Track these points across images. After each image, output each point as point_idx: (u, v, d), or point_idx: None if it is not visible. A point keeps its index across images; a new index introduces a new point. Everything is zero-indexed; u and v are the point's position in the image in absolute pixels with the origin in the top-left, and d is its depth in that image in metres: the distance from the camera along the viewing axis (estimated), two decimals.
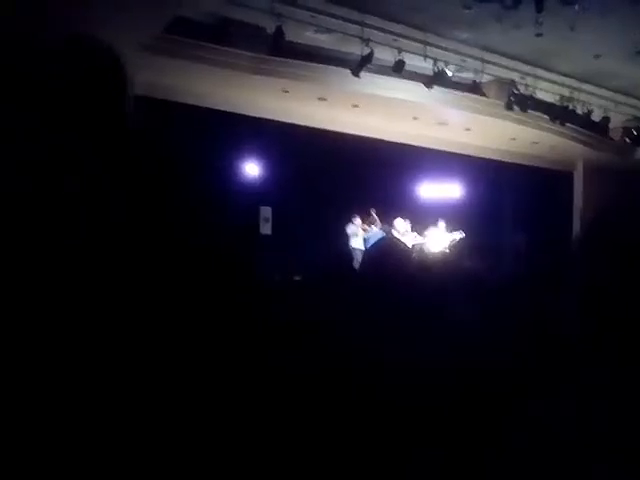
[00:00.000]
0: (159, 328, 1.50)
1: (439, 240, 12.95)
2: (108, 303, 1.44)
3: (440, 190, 14.62)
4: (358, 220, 12.56)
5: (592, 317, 1.10)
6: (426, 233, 12.92)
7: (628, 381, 0.99)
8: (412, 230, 12.74)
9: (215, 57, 9.06)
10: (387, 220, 12.69)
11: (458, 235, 12.97)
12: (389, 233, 12.31)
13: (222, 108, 10.55)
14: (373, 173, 12.05)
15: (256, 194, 12.00)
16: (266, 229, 12.03)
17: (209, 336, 1.46)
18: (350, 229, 12.57)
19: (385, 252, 1.94)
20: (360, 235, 12.57)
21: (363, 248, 12.43)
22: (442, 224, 13.04)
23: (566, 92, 11.60)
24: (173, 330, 1.47)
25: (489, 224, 14.10)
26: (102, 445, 1.27)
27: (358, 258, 11.30)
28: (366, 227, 12.65)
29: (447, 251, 12.81)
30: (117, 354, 1.38)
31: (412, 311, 1.75)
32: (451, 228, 13.05)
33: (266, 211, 12.10)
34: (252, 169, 12.46)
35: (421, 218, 13.04)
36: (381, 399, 1.38)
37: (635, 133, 13.25)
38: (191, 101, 10.20)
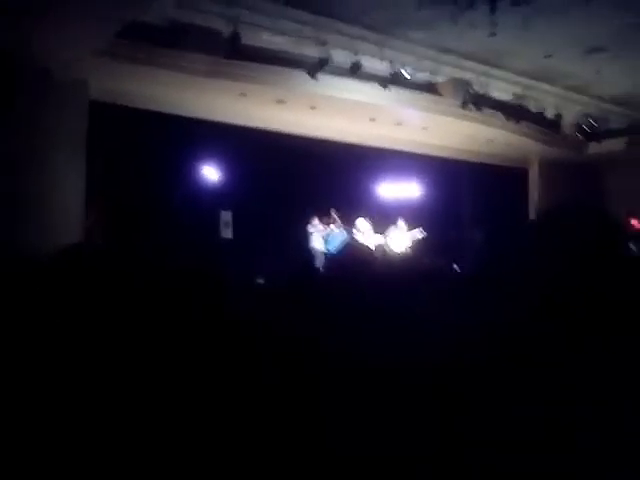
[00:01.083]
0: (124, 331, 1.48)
1: (400, 239, 13.07)
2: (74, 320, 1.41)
3: (399, 190, 14.75)
4: (316, 221, 12.59)
5: (549, 313, 1.12)
6: (387, 233, 13.03)
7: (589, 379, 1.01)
8: (373, 230, 12.83)
9: (171, 61, 8.97)
10: (348, 220, 12.76)
11: (419, 234, 13.12)
12: (350, 233, 12.38)
13: (179, 113, 10.47)
14: (333, 174, 12.10)
15: (216, 198, 11.92)
16: (227, 233, 11.96)
17: (177, 340, 1.45)
18: (309, 230, 12.59)
19: (349, 256, 1.95)
20: (319, 236, 12.61)
21: (323, 248, 12.47)
22: (402, 223, 13.17)
23: (519, 90, 11.82)
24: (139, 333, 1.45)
25: (448, 222, 14.28)
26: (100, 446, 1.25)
27: (319, 259, 11.37)
28: (325, 227, 12.68)
29: (409, 250, 12.94)
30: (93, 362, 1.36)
31: (376, 311, 1.76)
32: (411, 227, 13.18)
33: (226, 215, 12.03)
34: (211, 173, 12.37)
35: (381, 218, 13.14)
36: (352, 400, 1.39)
37: (586, 129, 13.58)
38: (148, 106, 10.10)
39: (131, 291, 1.53)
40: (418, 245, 13.08)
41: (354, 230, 12.56)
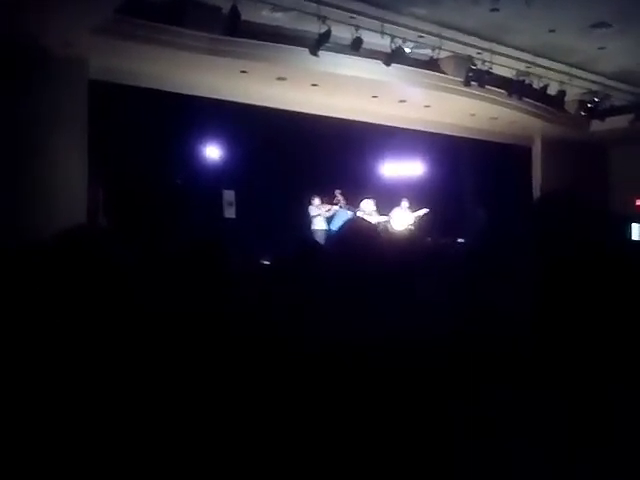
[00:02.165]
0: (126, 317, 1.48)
1: (403, 218, 13.05)
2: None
3: (402, 168, 14.67)
4: (317, 201, 12.50)
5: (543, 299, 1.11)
6: (391, 214, 13.01)
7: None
8: (377, 210, 12.78)
9: (170, 38, 8.89)
10: (352, 200, 12.70)
11: (421, 212, 13.11)
12: (355, 213, 12.34)
13: (180, 91, 10.40)
14: (335, 153, 12.03)
15: (218, 177, 11.87)
16: (230, 213, 11.92)
17: (183, 323, 1.45)
18: (310, 210, 12.51)
19: (353, 231, 1.94)
20: (321, 216, 12.54)
21: (325, 228, 12.41)
22: (405, 203, 13.15)
23: (522, 67, 11.72)
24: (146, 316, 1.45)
25: (450, 200, 14.22)
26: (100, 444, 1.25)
27: (320, 239, 11.26)
28: (327, 207, 12.60)
29: (411, 228, 12.93)
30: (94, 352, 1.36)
31: (380, 287, 1.75)
32: (415, 208, 13.17)
33: (229, 195, 11.97)
34: (213, 152, 12.30)
35: (385, 197, 13.11)
36: (358, 378, 1.38)
37: (590, 106, 13.47)
38: (148, 84, 10.02)
39: (134, 274, 1.53)
40: (420, 223, 13.07)
41: (358, 211, 12.50)
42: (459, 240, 8.03)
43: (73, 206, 8.68)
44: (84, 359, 1.36)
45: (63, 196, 8.70)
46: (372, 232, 1.98)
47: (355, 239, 1.89)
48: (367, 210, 12.49)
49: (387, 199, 13.11)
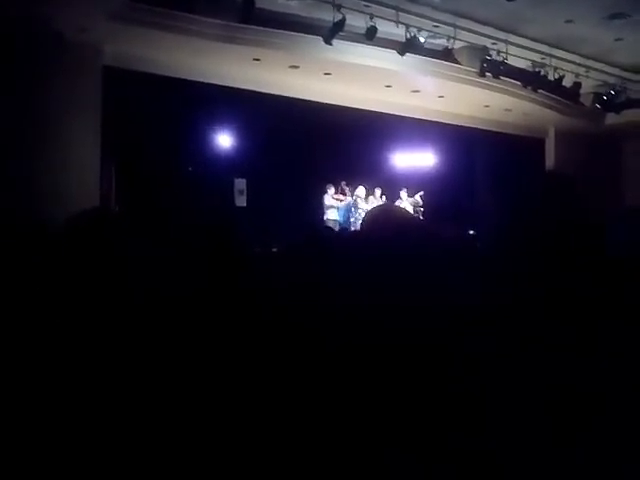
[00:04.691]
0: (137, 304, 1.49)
1: (406, 207, 13.08)
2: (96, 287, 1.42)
3: (414, 159, 14.61)
4: (332, 189, 12.48)
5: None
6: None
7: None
8: (386, 200, 12.77)
9: (184, 25, 8.88)
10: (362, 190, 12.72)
11: (417, 196, 13.22)
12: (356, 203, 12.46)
13: (193, 78, 10.38)
14: (347, 142, 11.99)
15: (230, 165, 11.86)
16: (241, 201, 11.91)
17: (198, 313, 1.45)
18: (325, 200, 12.50)
19: (394, 216, 1.90)
20: (335, 206, 12.53)
21: (337, 219, 12.40)
22: (404, 193, 13.22)
23: (538, 58, 11.62)
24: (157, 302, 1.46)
25: (463, 191, 14.16)
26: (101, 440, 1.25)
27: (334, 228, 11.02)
28: (340, 197, 12.61)
29: (415, 215, 12.94)
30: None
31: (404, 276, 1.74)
32: (412, 193, 13.26)
33: (240, 183, 11.96)
34: (225, 140, 12.28)
35: (396, 187, 13.10)
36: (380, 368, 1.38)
37: (605, 99, 13.34)
38: (162, 71, 10.02)
39: (145, 259, 1.53)
40: (418, 209, 13.11)
41: (357, 199, 12.55)
42: (470, 232, 8.01)
43: (86, 191, 8.72)
44: (94, 345, 1.37)
45: (76, 181, 8.74)
46: (409, 219, 1.95)
47: (396, 224, 1.85)
48: (362, 196, 12.60)
49: (398, 189, 13.13)
